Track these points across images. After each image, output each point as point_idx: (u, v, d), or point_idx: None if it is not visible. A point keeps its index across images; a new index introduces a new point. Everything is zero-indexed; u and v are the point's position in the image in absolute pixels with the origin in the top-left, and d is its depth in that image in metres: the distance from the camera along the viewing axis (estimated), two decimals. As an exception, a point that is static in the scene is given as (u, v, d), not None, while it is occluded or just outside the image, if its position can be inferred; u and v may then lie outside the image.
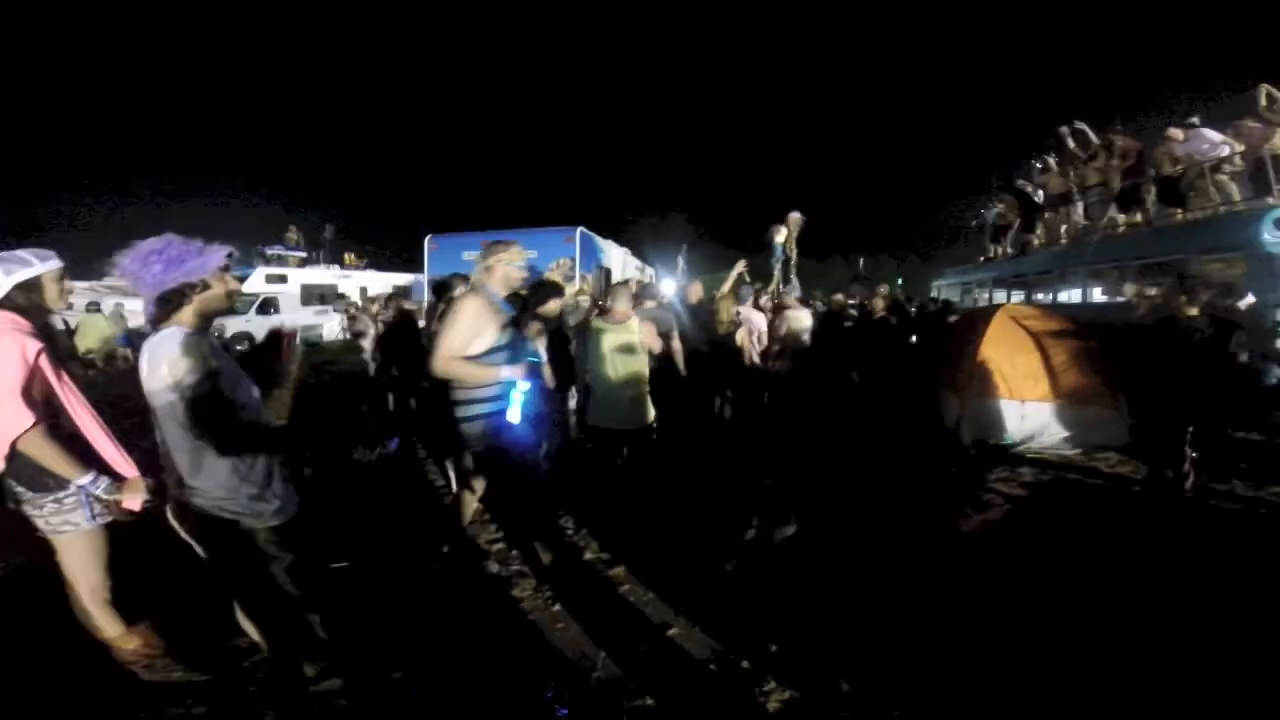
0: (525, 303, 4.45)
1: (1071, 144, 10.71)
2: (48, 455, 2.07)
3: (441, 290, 5.09)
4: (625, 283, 5.40)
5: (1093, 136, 10.35)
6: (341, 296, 21.88)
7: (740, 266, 6.47)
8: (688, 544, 3.67)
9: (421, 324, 7.55)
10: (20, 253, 2.20)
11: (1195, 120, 8.62)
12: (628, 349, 3.95)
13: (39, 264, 2.21)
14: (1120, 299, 8.51)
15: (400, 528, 4.08)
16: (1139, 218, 9.49)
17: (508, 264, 3.13)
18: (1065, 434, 5.87)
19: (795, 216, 9.93)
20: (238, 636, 2.36)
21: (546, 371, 3.90)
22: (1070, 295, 10.12)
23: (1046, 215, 12.04)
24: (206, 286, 1.98)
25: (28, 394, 2.05)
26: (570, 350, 4.70)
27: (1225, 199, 7.97)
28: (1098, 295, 9.58)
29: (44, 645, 2.51)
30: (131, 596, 2.50)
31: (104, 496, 2.18)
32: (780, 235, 9.71)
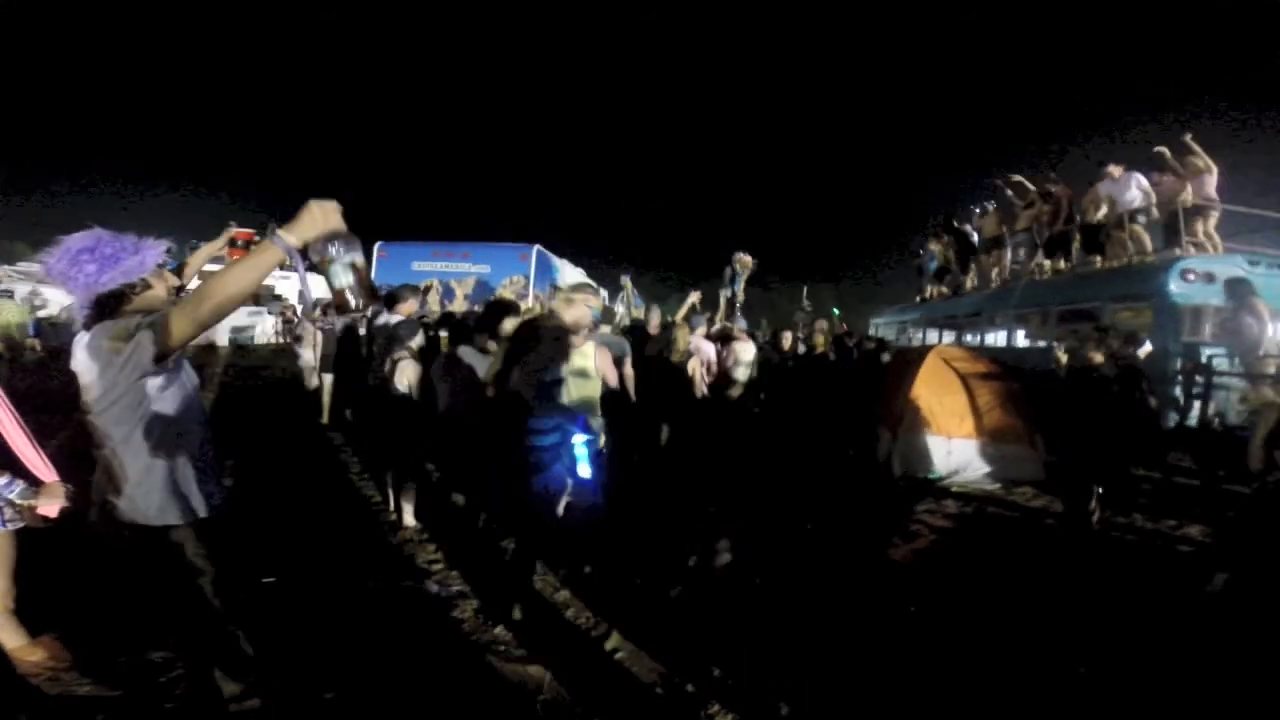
0: (478, 323, 4.45)
1: (1009, 193, 11.33)
2: None
3: (391, 302, 5.00)
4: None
5: (1029, 186, 10.96)
6: (278, 298, 21.15)
7: (694, 297, 6.61)
8: (634, 568, 3.70)
9: (362, 332, 7.39)
10: None
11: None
12: (582, 374, 3.97)
13: None
14: (1041, 344, 9.02)
15: (336, 543, 3.98)
16: (1063, 264, 10.07)
17: (585, 305, 3.28)
18: (987, 469, 6.20)
19: (745, 258, 10.18)
20: (152, 651, 2.27)
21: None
22: (997, 338, 10.63)
23: (980, 258, 12.64)
24: (147, 286, 1.85)
25: None
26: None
27: (1139, 249, 8.48)
28: (1021, 339, 10.12)
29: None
30: (39, 606, 2.38)
31: (18, 501, 2.08)
32: (728, 274, 9.94)
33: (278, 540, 3.85)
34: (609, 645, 2.91)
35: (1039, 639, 3.11)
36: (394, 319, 4.86)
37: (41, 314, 11.25)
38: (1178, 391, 6.88)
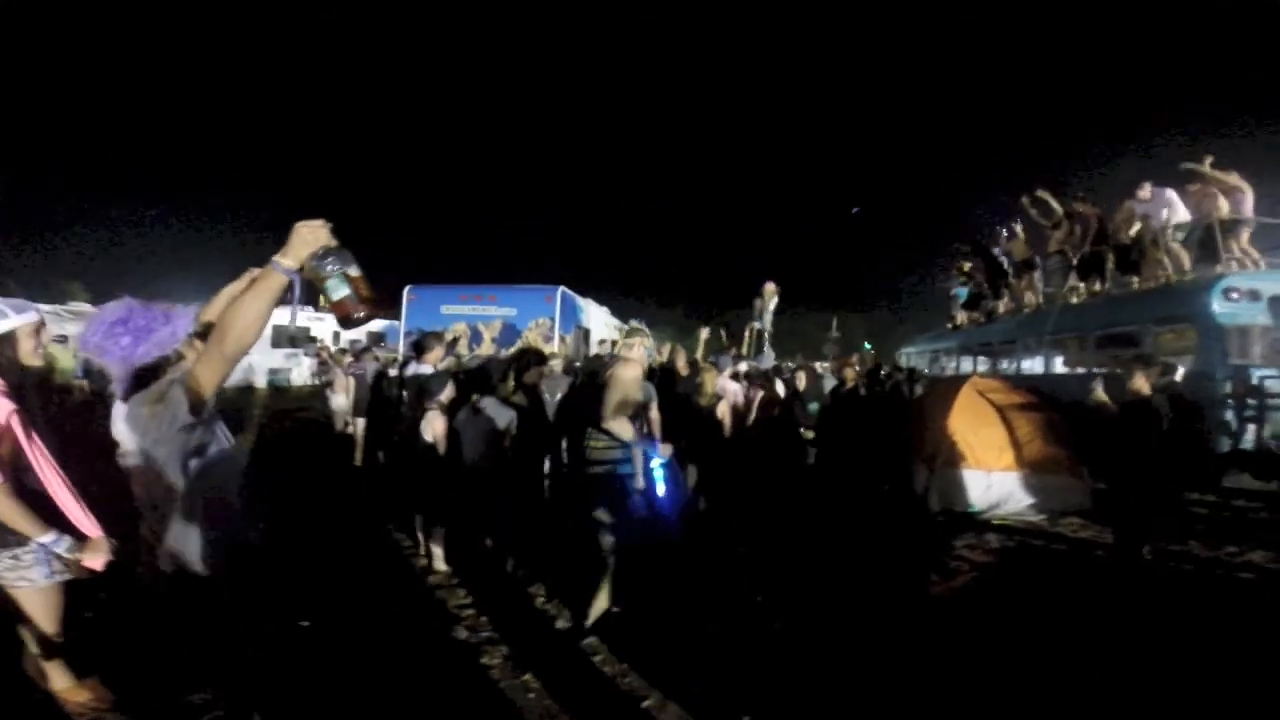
0: (506, 371, 4.53)
1: (1034, 212, 11.13)
2: (11, 514, 2.04)
3: (419, 351, 5.20)
4: (602, 357, 5.43)
5: (1054, 204, 10.73)
6: (313, 340, 21.67)
7: (704, 333, 6.60)
8: (664, 613, 3.63)
9: (393, 373, 7.53)
10: None
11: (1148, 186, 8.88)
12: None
13: (14, 316, 2.18)
14: (1080, 370, 8.76)
15: (368, 587, 3.99)
16: (1098, 286, 9.81)
17: (643, 347, 3.71)
18: (1030, 501, 6.00)
19: (770, 287, 10.15)
20: (191, 693, 2.30)
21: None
22: (1033, 364, 10.35)
23: (1012, 282, 12.39)
24: (180, 357, 1.91)
25: None
26: (547, 415, 4.73)
27: (1177, 267, 8.17)
28: (1059, 366, 9.85)
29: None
30: (84, 650, 2.43)
31: (65, 555, 2.13)
32: (757, 307, 9.95)
33: (312, 584, 3.88)
34: (636, 691, 2.85)
35: (1090, 675, 2.96)
36: (423, 368, 4.99)
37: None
38: (1229, 415, 6.61)
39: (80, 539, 2.17)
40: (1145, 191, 8.72)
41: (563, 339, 9.22)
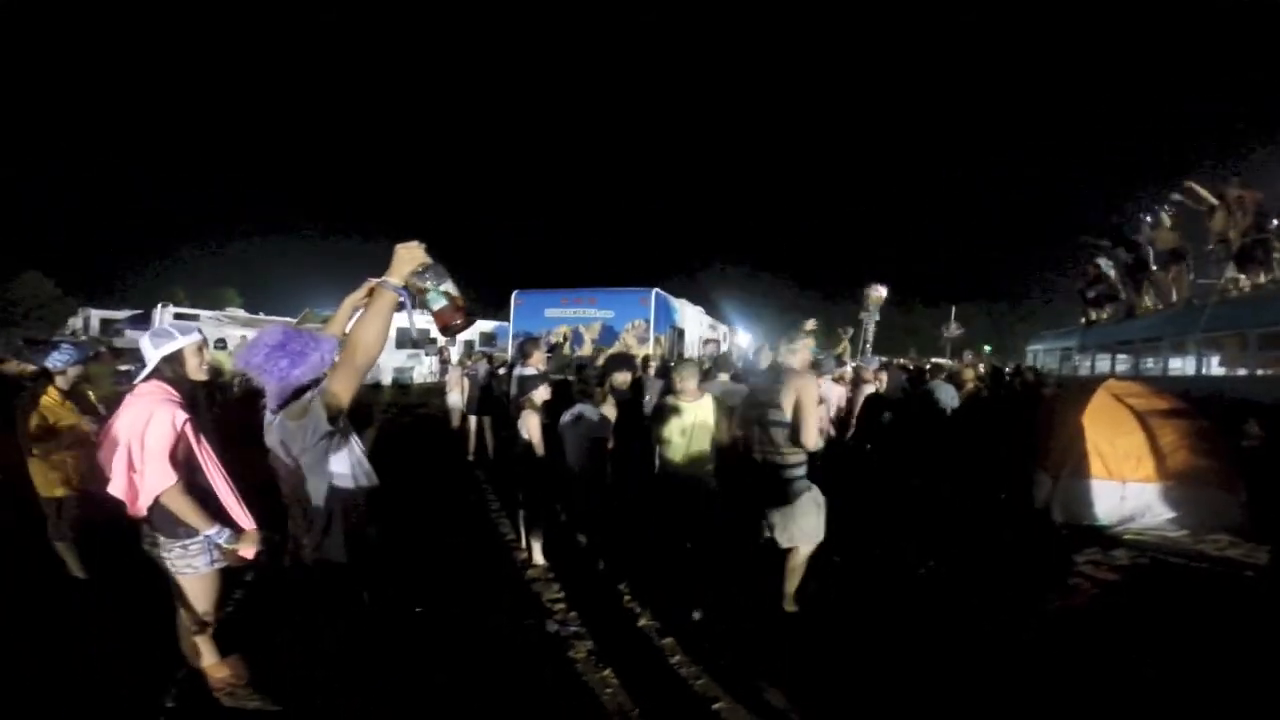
0: (600, 377, 4.68)
1: (1187, 201, 10.01)
2: (184, 509, 2.39)
3: (523, 355, 5.66)
4: (690, 360, 5.39)
5: (1204, 193, 9.63)
6: (433, 341, 23.14)
7: (810, 324, 6.40)
8: (745, 619, 3.62)
9: (503, 372, 7.95)
10: (165, 327, 2.58)
11: None
12: (696, 429, 3.99)
13: (181, 338, 2.57)
14: (1241, 372, 7.80)
15: (470, 577, 4.26)
16: (1262, 278, 8.68)
17: (807, 349, 3.82)
18: (1171, 515, 5.40)
19: (874, 294, 9.77)
20: (316, 672, 2.55)
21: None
22: (1184, 365, 9.31)
23: (1156, 274, 11.20)
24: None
25: (173, 456, 2.38)
26: (643, 417, 4.85)
27: None
28: (1215, 367, 8.80)
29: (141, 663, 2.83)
30: (229, 630, 2.77)
31: (225, 546, 2.47)
32: (864, 308, 9.60)
33: (424, 572, 4.19)
34: (709, 693, 2.87)
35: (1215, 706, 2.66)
36: (527, 370, 5.31)
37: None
38: None
39: (237, 531, 2.51)
40: None
41: (658, 340, 9.32)
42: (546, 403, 4.53)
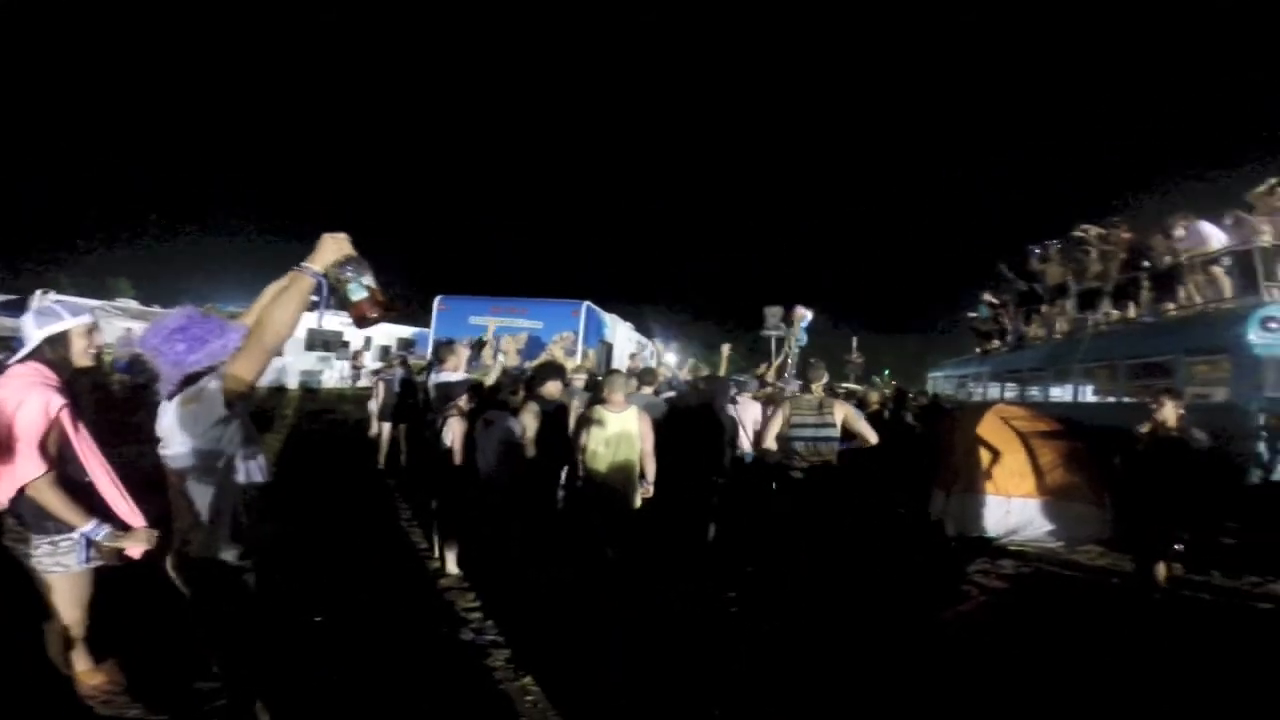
0: (528, 385, 4.64)
1: (1076, 237, 10.91)
2: (54, 503, 2.19)
3: (440, 357, 5.37)
4: (618, 372, 5.45)
5: (1094, 233, 10.52)
6: (345, 344, 22.21)
7: (726, 350, 6.64)
8: (664, 626, 3.68)
9: (420, 379, 7.74)
10: (54, 305, 2.37)
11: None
12: (621, 439, 4.05)
13: (69, 318, 2.37)
14: (1111, 400, 8.57)
15: (380, 586, 4.11)
16: (1132, 312, 9.56)
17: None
18: (1049, 528, 5.89)
19: (804, 314, 10.12)
20: (199, 680, 2.41)
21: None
22: (1063, 393, 10.14)
23: (1044, 308, 12.13)
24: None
25: (43, 445, 2.19)
26: (568, 431, 4.83)
27: (1216, 295, 7.85)
28: (1089, 395, 9.64)
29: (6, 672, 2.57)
30: (103, 634, 2.55)
31: (105, 544, 2.27)
32: (785, 327, 9.90)
33: (327, 580, 4.00)
34: (631, 702, 2.90)
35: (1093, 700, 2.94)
36: (443, 376, 5.15)
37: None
38: (1262, 448, 6.41)
39: (122, 528, 2.32)
40: (1180, 230, 8.47)
41: (586, 353, 9.33)
42: (471, 410, 4.47)
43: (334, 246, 1.99)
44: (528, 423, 4.42)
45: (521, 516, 4.41)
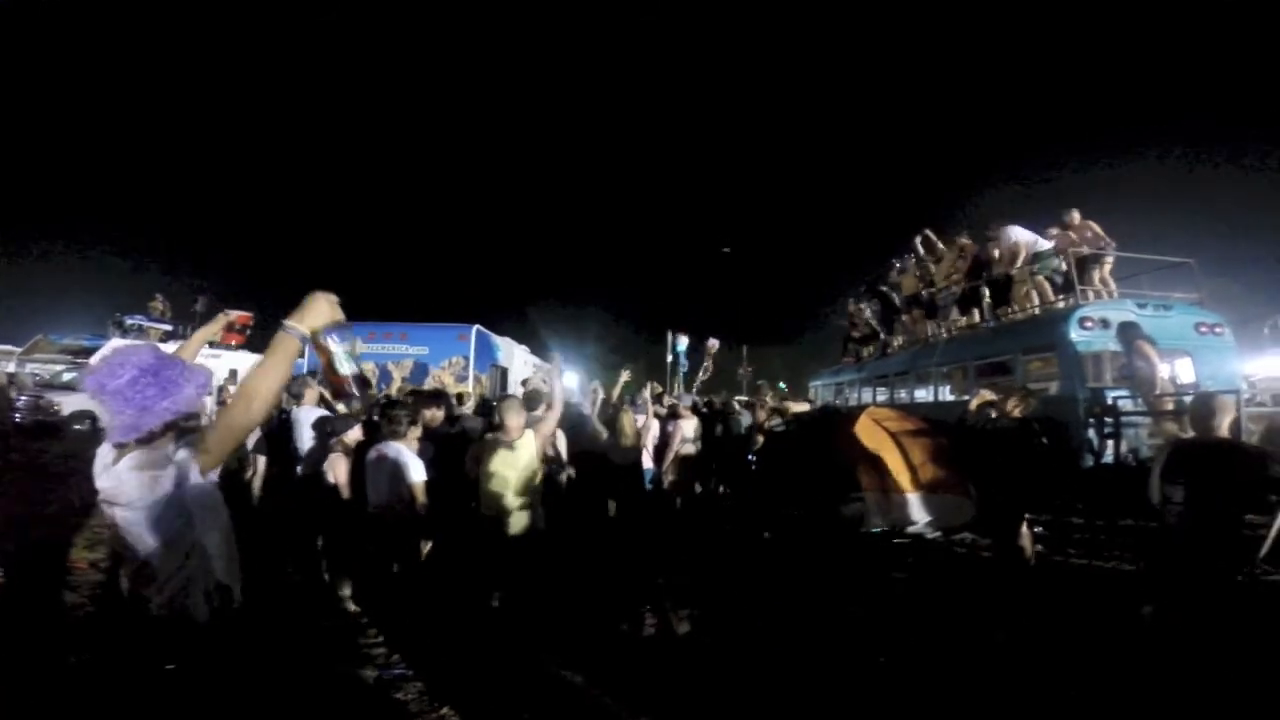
0: (411, 414, 4.46)
1: (921, 250, 12.03)
2: None
3: (296, 395, 5.22)
4: (513, 397, 5.37)
5: (937, 242, 11.64)
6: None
7: (625, 375, 6.76)
8: (579, 644, 3.63)
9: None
10: None
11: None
12: (519, 465, 3.98)
13: None
14: (965, 398, 9.48)
15: (271, 628, 3.75)
16: (977, 318, 10.66)
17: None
18: (928, 519, 6.38)
19: (714, 344, 10.55)
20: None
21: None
22: (926, 393, 11.10)
23: (902, 317, 13.21)
24: (192, 417, 1.81)
25: None
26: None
27: (1043, 299, 9.03)
28: (946, 394, 10.61)
29: None
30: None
31: None
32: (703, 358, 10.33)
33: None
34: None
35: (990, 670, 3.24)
36: (302, 411, 4.84)
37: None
38: (1090, 434, 7.31)
39: None
40: (993, 233, 9.64)
41: (478, 378, 9.11)
42: (360, 443, 4.25)
43: (326, 309, 1.76)
44: (415, 451, 4.24)
45: (417, 548, 4.22)
